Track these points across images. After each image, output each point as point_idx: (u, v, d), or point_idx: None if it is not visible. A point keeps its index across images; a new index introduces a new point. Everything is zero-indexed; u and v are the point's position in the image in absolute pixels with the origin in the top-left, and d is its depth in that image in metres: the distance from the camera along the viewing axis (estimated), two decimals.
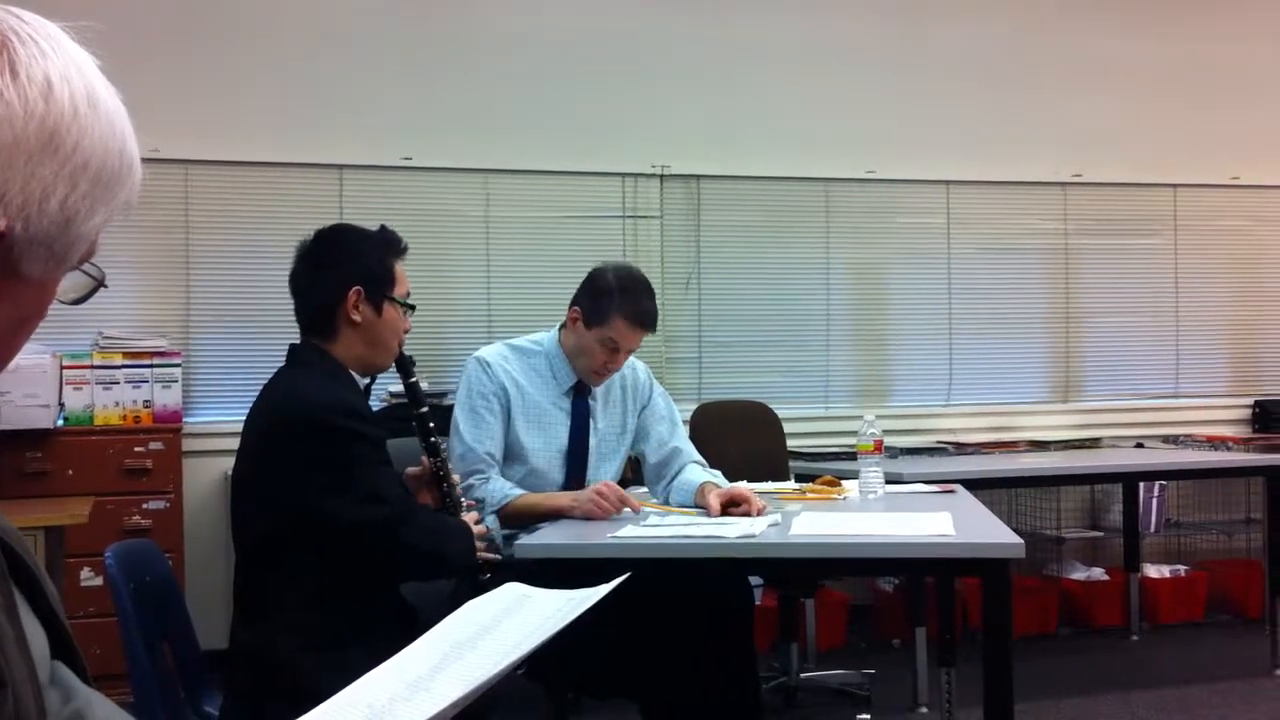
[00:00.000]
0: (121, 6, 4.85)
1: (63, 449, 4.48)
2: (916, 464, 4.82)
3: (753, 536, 2.62)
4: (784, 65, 5.68)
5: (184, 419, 4.76)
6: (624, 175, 5.55)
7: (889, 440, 4.10)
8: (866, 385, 5.83)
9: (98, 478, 4.45)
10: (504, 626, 1.06)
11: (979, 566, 2.54)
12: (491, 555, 2.56)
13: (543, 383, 3.16)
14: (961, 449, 5.50)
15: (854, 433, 3.48)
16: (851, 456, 4.04)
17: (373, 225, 2.55)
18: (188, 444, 4.74)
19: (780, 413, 4.96)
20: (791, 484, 3.75)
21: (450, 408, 3.26)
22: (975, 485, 3.74)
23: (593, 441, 3.19)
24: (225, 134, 5.05)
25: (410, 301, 2.50)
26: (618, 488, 2.94)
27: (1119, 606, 5.50)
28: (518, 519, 2.97)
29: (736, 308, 5.67)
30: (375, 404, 4.03)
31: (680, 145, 5.55)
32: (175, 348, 4.81)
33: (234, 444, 2.44)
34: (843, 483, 3.46)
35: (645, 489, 3.35)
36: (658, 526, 2.76)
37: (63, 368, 4.55)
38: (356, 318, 2.40)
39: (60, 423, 4.51)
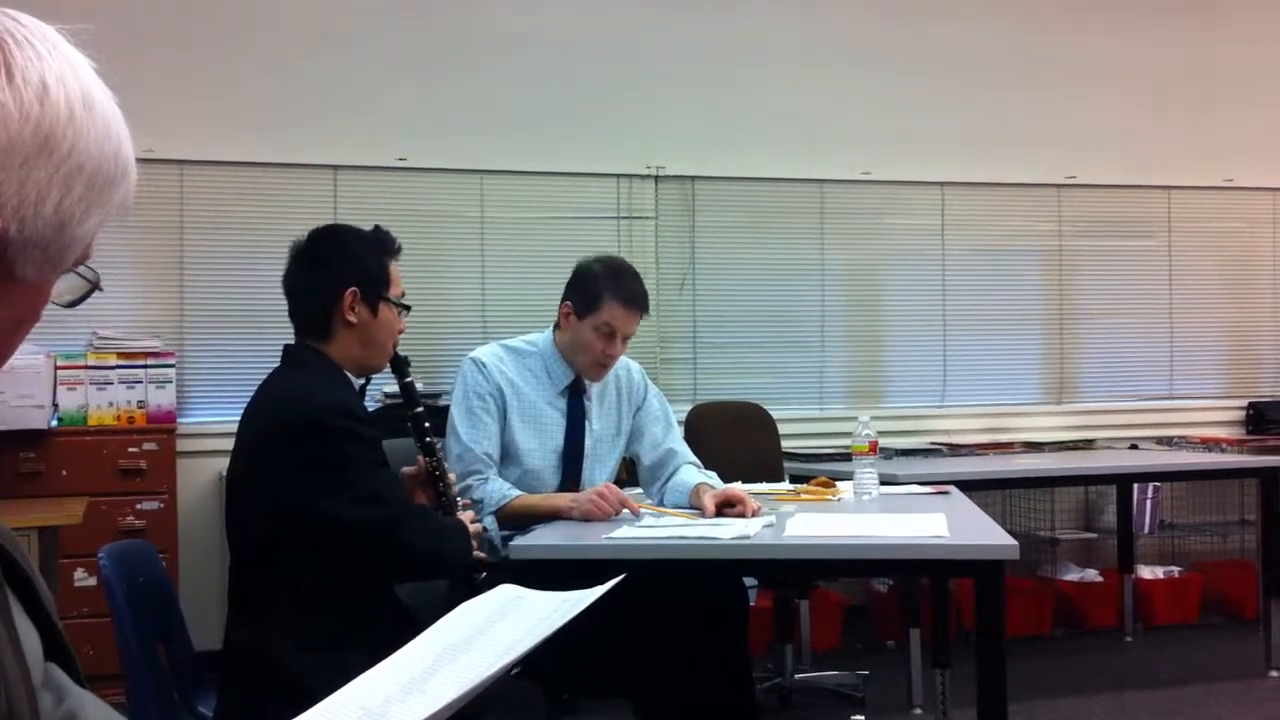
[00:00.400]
0: (117, 7, 4.84)
1: (57, 449, 4.47)
2: (911, 465, 4.83)
3: (747, 537, 2.62)
4: (779, 66, 5.69)
5: (178, 419, 4.76)
6: (619, 176, 5.55)
7: (884, 441, 4.10)
8: (861, 386, 5.83)
9: (92, 478, 4.45)
10: (498, 628, 1.06)
11: (973, 568, 2.54)
12: (485, 555, 2.56)
13: (538, 383, 3.16)
14: (956, 450, 5.50)
15: (849, 434, 3.48)
16: (846, 457, 4.04)
17: (368, 226, 2.55)
18: (182, 444, 4.74)
19: (775, 413, 4.96)
20: (786, 485, 3.75)
21: (445, 408, 3.25)
22: (970, 486, 3.74)
23: (588, 442, 3.19)
24: (220, 134, 5.05)
25: (405, 302, 2.50)
26: (618, 490, 2.94)
27: (1113, 607, 5.50)
28: (515, 520, 2.96)
29: (731, 308, 5.67)
30: (370, 404, 4.03)
31: (675, 146, 5.56)
32: (169, 348, 4.81)
33: (228, 444, 2.43)
34: (837, 484, 3.47)
35: (640, 490, 3.35)
36: (653, 527, 2.76)
37: (57, 368, 4.54)
38: (352, 318, 2.40)
39: (54, 423, 4.50)
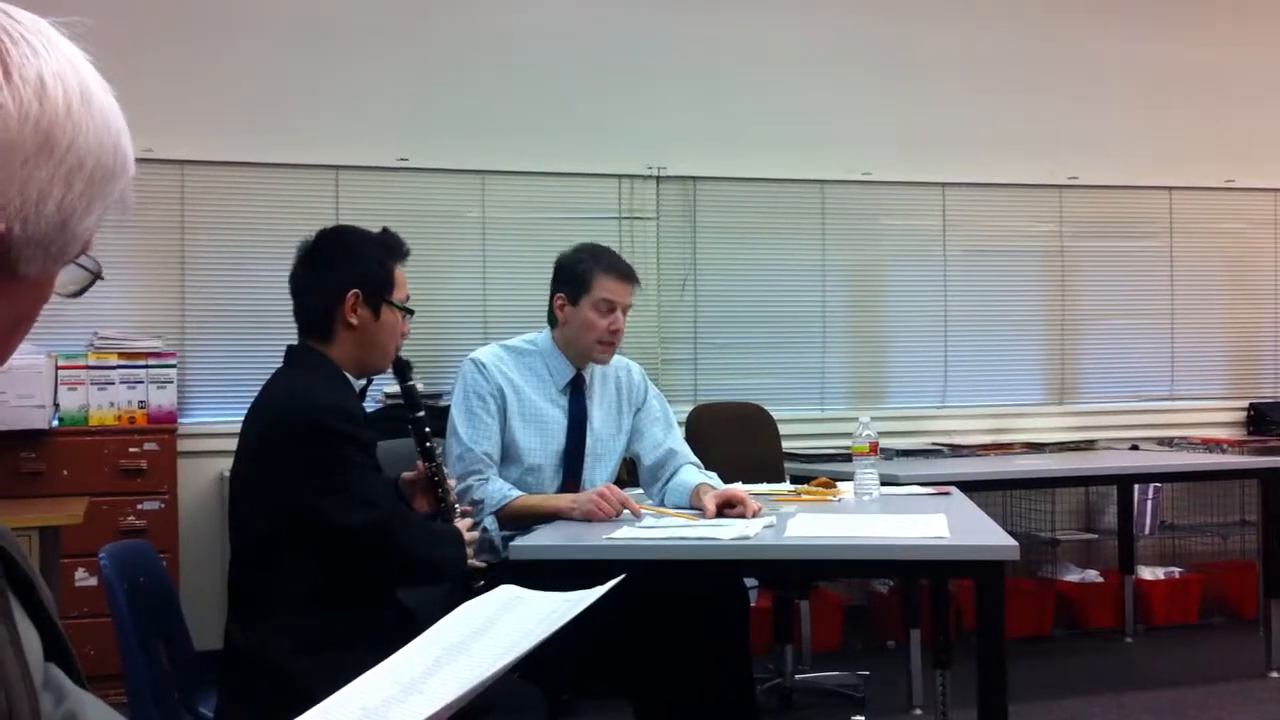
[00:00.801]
0: (117, 5, 4.84)
1: (58, 449, 4.47)
2: (912, 466, 4.83)
3: (748, 538, 2.62)
4: (780, 67, 5.69)
5: (179, 419, 4.76)
6: (620, 176, 5.55)
7: (884, 442, 4.10)
8: (862, 387, 5.83)
9: (93, 478, 4.45)
10: (498, 628, 1.06)
11: (974, 568, 2.54)
12: (480, 563, 2.55)
13: (539, 381, 3.16)
14: (957, 451, 5.50)
15: (849, 434, 3.48)
16: (847, 458, 4.04)
17: (368, 226, 2.55)
18: (183, 444, 4.74)
19: (776, 414, 4.96)
20: (787, 485, 3.75)
21: (446, 408, 3.25)
22: (970, 487, 3.74)
23: (589, 441, 3.19)
24: (220, 134, 5.05)
25: (409, 306, 2.49)
26: (619, 490, 2.94)
27: (1114, 608, 5.50)
28: (517, 520, 2.97)
29: (732, 309, 5.67)
30: (370, 405, 4.03)
31: (676, 146, 5.56)
32: (170, 348, 4.81)
33: (229, 444, 2.43)
34: (838, 484, 3.46)
35: (640, 490, 3.35)
36: (653, 528, 2.76)
37: (58, 368, 4.54)
38: (354, 320, 2.40)
39: (55, 423, 4.50)
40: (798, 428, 5.31)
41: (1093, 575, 5.65)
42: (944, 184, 5.92)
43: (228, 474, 2.47)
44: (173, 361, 4.74)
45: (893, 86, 5.81)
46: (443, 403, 4.42)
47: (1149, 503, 5.75)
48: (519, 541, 2.68)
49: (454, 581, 2.52)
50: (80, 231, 0.82)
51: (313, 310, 2.42)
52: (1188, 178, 6.15)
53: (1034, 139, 5.95)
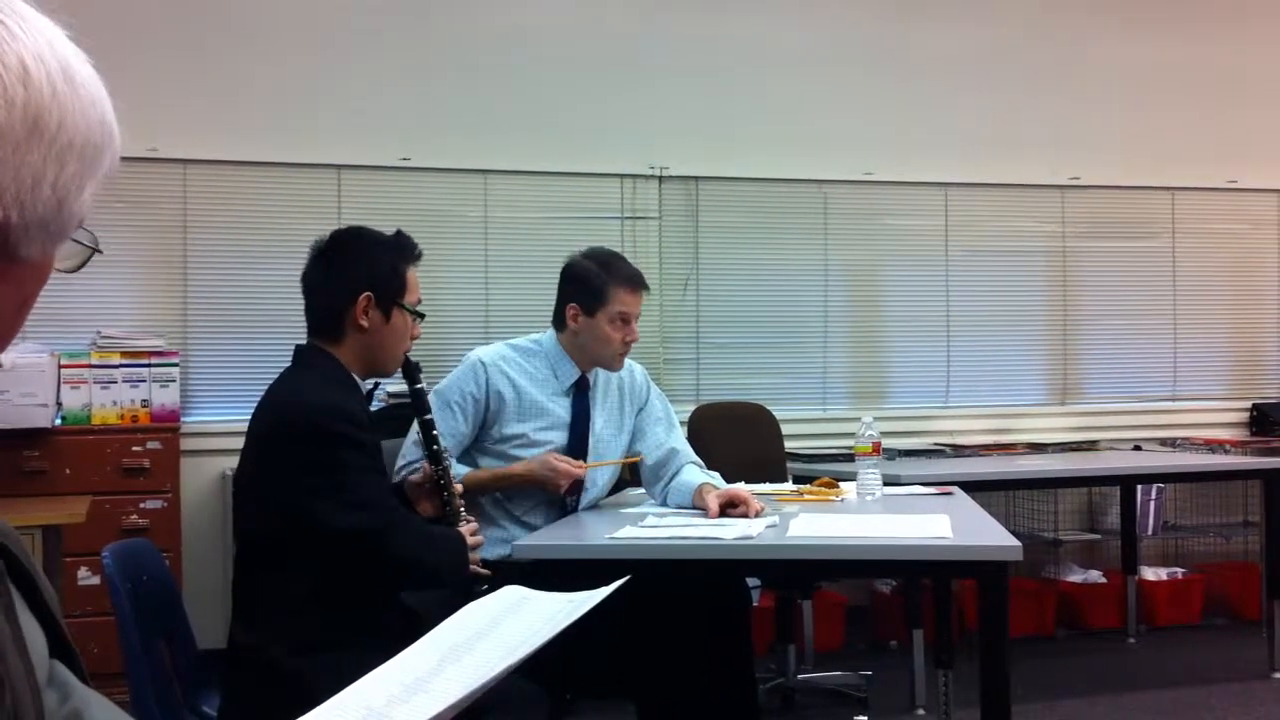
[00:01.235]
0: (121, 5, 4.84)
1: (60, 448, 4.47)
2: (914, 466, 4.83)
3: (750, 538, 2.62)
4: (783, 67, 5.68)
5: (181, 418, 4.75)
6: (622, 176, 5.55)
7: (887, 442, 4.10)
8: (864, 387, 5.83)
9: (95, 477, 4.45)
10: (502, 629, 1.06)
11: (976, 569, 2.54)
12: (483, 570, 2.53)
13: (543, 381, 3.17)
14: (959, 451, 5.50)
15: (852, 434, 3.48)
16: (849, 458, 4.04)
17: (371, 225, 2.54)
18: (185, 443, 4.73)
19: (778, 414, 4.96)
20: (789, 485, 3.75)
21: None
22: (973, 487, 3.74)
23: (591, 442, 3.19)
24: (223, 133, 5.05)
25: (420, 309, 2.49)
26: (562, 463, 3.02)
27: (1116, 609, 5.50)
28: (479, 491, 3.00)
29: (735, 309, 5.67)
30: (375, 404, 4.02)
31: (679, 146, 5.56)
32: (173, 347, 4.81)
33: (232, 443, 2.44)
34: (840, 484, 3.46)
35: (642, 489, 3.35)
36: (655, 527, 2.77)
37: (60, 367, 4.54)
38: (364, 323, 2.39)
39: (58, 422, 4.50)
40: (800, 428, 5.30)
41: (1095, 575, 5.65)
42: (946, 184, 5.92)
43: (230, 473, 2.48)
44: (175, 360, 4.74)
45: (894, 86, 5.81)
46: None
47: (1152, 503, 5.74)
48: (521, 541, 2.68)
49: (454, 586, 2.51)
50: (77, 209, 0.82)
51: (323, 311, 2.41)
52: (1190, 178, 6.14)
53: (1036, 139, 5.94)
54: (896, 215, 5.89)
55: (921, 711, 4.26)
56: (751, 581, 3.77)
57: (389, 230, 2.52)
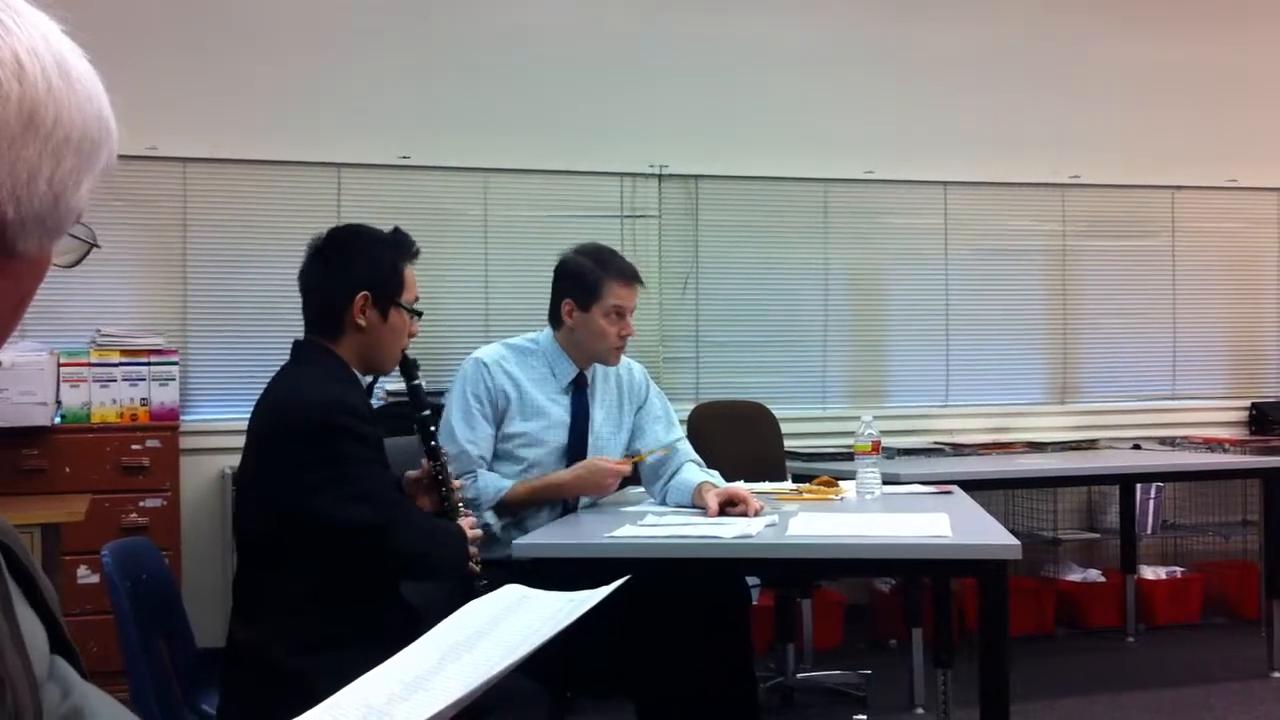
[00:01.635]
0: (120, 4, 4.84)
1: (60, 446, 4.47)
2: (914, 465, 4.83)
3: (750, 537, 2.62)
4: (783, 66, 5.68)
5: (181, 417, 4.75)
6: (622, 175, 5.55)
7: (886, 441, 4.10)
8: (864, 386, 5.83)
9: (95, 475, 4.45)
10: (503, 628, 1.06)
11: (976, 567, 2.54)
12: (477, 568, 2.54)
13: (542, 380, 3.17)
14: (959, 450, 5.50)
15: (851, 433, 3.48)
16: (849, 457, 4.04)
17: (371, 223, 2.54)
18: (185, 442, 4.73)
19: (778, 413, 4.96)
20: (789, 484, 3.75)
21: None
22: (972, 486, 3.74)
23: (590, 440, 3.20)
24: (223, 132, 5.05)
25: (418, 308, 2.48)
26: (608, 461, 3.05)
27: (1115, 608, 5.50)
28: (521, 507, 3.01)
29: (734, 308, 5.67)
30: (375, 401, 4.02)
31: (679, 145, 5.56)
32: (172, 345, 4.81)
33: (231, 441, 2.44)
34: (840, 483, 3.47)
35: (642, 488, 3.35)
36: (655, 526, 2.76)
37: (60, 365, 4.54)
38: (362, 321, 2.39)
39: (57, 420, 4.50)
40: (799, 426, 5.30)
41: (1094, 574, 5.65)
42: (946, 183, 5.91)
43: (230, 471, 2.48)
44: (175, 359, 4.74)
45: (895, 85, 5.81)
46: (444, 401, 4.41)
47: (1151, 502, 5.74)
48: (520, 540, 2.68)
49: (454, 580, 2.51)
50: (74, 204, 0.82)
51: (321, 309, 2.41)
52: (1190, 177, 6.14)
53: (1036, 138, 5.94)
54: (897, 214, 5.89)
55: (921, 710, 4.26)
56: (751, 580, 3.76)
57: (388, 229, 2.52)
